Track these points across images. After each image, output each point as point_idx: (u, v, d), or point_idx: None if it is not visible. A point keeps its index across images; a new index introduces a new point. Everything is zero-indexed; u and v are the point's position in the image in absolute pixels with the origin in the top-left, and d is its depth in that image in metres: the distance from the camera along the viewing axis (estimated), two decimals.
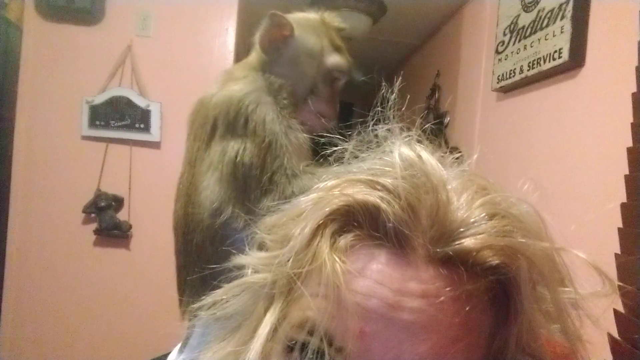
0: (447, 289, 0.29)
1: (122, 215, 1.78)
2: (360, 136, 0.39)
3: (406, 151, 0.33)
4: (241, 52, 2.05)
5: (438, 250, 0.29)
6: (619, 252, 0.91)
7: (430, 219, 0.30)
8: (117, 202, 1.78)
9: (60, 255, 1.78)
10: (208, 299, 0.37)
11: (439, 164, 0.33)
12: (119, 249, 1.80)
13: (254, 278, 0.35)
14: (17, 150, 1.76)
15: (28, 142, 1.77)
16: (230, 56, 1.84)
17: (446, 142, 2.03)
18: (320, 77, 0.73)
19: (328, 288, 0.29)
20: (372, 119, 0.38)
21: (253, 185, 0.67)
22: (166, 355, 0.73)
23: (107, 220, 1.74)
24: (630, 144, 0.93)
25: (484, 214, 0.30)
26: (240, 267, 0.36)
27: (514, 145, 1.50)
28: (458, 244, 0.29)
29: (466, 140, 1.88)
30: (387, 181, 0.31)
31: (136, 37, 1.78)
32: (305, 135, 0.71)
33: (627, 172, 0.93)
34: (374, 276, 0.30)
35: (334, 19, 0.80)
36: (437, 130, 2.06)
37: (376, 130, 0.38)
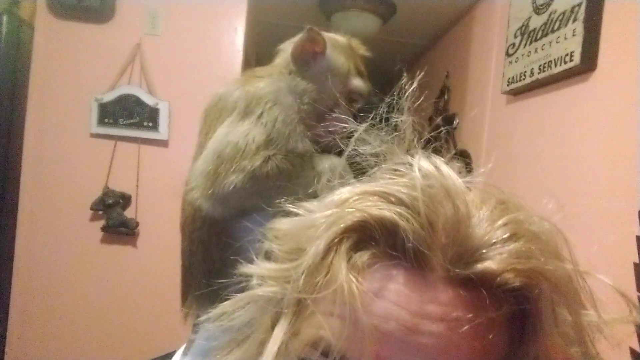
0: (469, 315, 0.28)
1: (129, 213, 1.79)
2: (372, 122, 0.38)
3: (424, 163, 0.32)
4: (249, 53, 2.05)
5: (458, 271, 0.28)
6: (637, 260, 0.90)
7: (450, 236, 0.29)
8: (125, 200, 1.78)
9: (67, 251, 1.79)
10: (216, 311, 0.36)
11: (458, 178, 0.32)
12: (126, 246, 1.81)
13: (263, 291, 0.33)
14: (26, 147, 1.77)
15: (38, 139, 1.78)
16: (239, 55, 1.84)
17: (454, 145, 2.02)
18: (341, 96, 0.75)
19: (344, 308, 0.28)
20: (387, 106, 0.38)
21: (231, 156, 0.67)
22: (171, 354, 0.73)
23: (115, 218, 1.75)
24: None
25: (507, 235, 0.29)
26: (248, 276, 0.35)
27: (523, 148, 1.49)
28: (480, 266, 0.28)
29: (475, 143, 1.87)
30: (403, 194, 0.30)
31: (145, 36, 1.79)
32: (308, 143, 0.72)
33: (638, 175, 0.92)
34: (392, 297, 0.29)
35: (359, 46, 0.84)
36: (445, 132, 2.04)
37: (389, 118, 0.37)
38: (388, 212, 0.29)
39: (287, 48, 0.79)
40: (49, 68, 1.78)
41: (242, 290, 0.36)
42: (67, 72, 1.78)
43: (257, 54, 2.44)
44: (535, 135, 1.44)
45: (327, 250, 0.30)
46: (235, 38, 1.84)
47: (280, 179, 0.66)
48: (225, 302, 0.36)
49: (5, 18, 1.65)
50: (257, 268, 0.35)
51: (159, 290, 1.74)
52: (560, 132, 1.32)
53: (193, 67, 1.82)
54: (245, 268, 0.36)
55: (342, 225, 0.30)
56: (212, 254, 0.69)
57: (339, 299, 0.28)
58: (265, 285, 0.34)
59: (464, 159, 1.73)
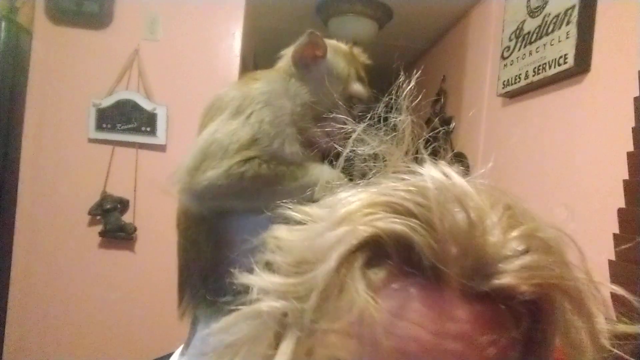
0: (490, 334, 0.28)
1: (127, 218, 1.79)
2: (370, 121, 0.37)
3: (431, 170, 0.31)
4: (247, 57, 2.06)
5: (474, 286, 0.28)
6: (612, 257, 0.90)
7: (463, 246, 0.28)
8: (123, 205, 1.78)
9: (65, 256, 1.79)
10: (217, 325, 0.35)
11: (466, 183, 0.30)
12: (124, 251, 1.81)
13: (269, 307, 0.32)
14: (25, 152, 1.78)
15: (36, 144, 1.78)
16: (236, 60, 1.85)
17: (451, 148, 2.02)
18: (340, 100, 0.75)
19: (361, 329, 0.27)
20: (384, 105, 0.37)
21: (214, 153, 0.67)
22: (168, 355, 0.73)
23: (113, 223, 1.75)
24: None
25: (521, 246, 0.29)
26: (247, 287, 0.33)
27: (519, 150, 1.50)
28: (497, 282, 0.28)
29: (471, 146, 1.88)
30: (411, 204, 0.29)
31: (144, 41, 1.80)
32: (297, 147, 0.71)
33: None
34: (411, 317, 0.28)
35: (361, 54, 0.86)
36: (443, 135, 2.05)
37: (388, 118, 0.37)
38: (400, 225, 0.28)
39: (289, 53, 0.79)
40: (47, 74, 1.78)
41: (239, 293, 0.34)
42: (65, 77, 1.79)
43: (255, 58, 2.45)
44: (531, 136, 1.45)
45: (339, 267, 0.29)
46: (233, 43, 1.85)
47: (257, 182, 0.66)
48: (227, 317, 0.34)
49: (3, 24, 1.65)
50: (259, 280, 0.33)
51: (157, 295, 1.73)
52: (555, 133, 1.33)
53: (191, 72, 1.82)
54: (246, 279, 0.34)
55: (354, 242, 0.29)
56: (205, 252, 0.70)
57: (356, 320, 0.27)
58: (268, 299, 0.32)
59: (461, 161, 1.74)
